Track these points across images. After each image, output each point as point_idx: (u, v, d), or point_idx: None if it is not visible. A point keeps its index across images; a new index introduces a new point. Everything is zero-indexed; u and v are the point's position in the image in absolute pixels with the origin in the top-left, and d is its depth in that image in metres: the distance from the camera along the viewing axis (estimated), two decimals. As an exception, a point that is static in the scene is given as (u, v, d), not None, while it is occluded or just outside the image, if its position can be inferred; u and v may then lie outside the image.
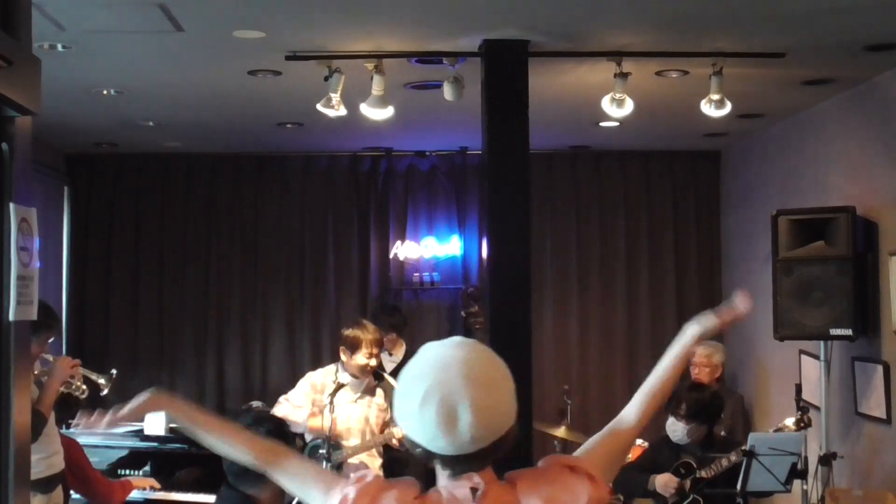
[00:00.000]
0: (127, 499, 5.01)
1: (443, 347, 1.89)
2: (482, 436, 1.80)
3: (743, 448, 4.55)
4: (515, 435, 1.88)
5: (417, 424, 1.82)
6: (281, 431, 3.21)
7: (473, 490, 1.83)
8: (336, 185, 7.68)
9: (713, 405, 4.85)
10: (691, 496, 4.67)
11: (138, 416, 2.11)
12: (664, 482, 4.71)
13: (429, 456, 1.85)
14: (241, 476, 3.08)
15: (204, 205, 7.64)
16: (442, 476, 1.89)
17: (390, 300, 7.51)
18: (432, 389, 1.80)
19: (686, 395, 4.79)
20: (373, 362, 5.02)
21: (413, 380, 1.85)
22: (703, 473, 4.67)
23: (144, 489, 5.22)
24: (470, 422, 1.77)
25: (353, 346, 5.01)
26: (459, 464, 1.84)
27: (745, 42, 4.49)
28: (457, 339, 1.92)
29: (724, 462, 4.63)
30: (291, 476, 2.04)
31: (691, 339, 2.18)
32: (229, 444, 2.10)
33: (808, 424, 4.87)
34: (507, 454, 1.88)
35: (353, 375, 5.04)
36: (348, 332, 5.09)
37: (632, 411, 2.12)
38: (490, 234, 4.62)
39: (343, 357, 5.07)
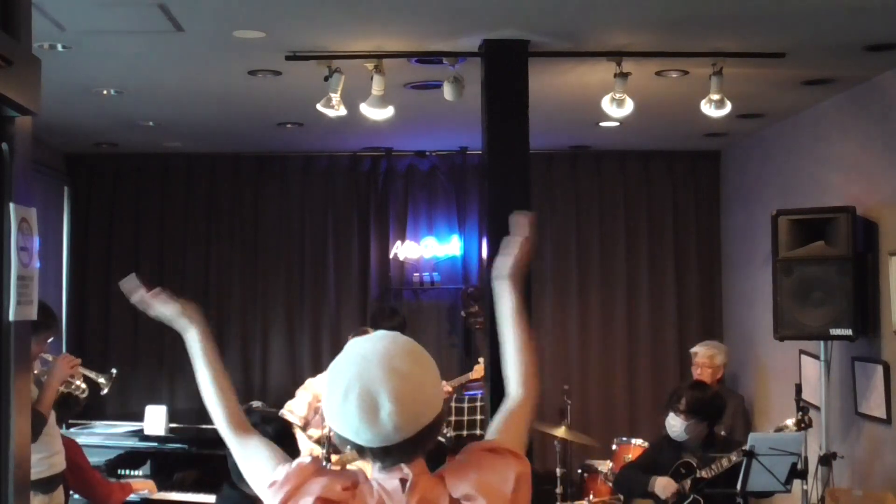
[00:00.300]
0: (125, 500, 5.01)
1: (364, 341, 1.91)
2: (405, 425, 1.81)
3: (743, 448, 4.55)
4: (441, 426, 1.90)
5: (342, 419, 1.84)
6: (287, 433, 3.21)
7: (403, 482, 1.85)
8: (336, 185, 7.68)
9: (714, 404, 4.86)
10: (691, 496, 4.67)
11: (167, 311, 2.13)
12: (663, 485, 4.71)
13: (359, 451, 1.87)
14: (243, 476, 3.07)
15: (204, 205, 7.63)
16: (374, 469, 1.90)
17: (389, 303, 7.51)
18: (353, 382, 1.82)
19: (687, 391, 4.81)
20: None
21: (335, 375, 1.87)
22: (704, 473, 4.67)
23: (142, 492, 5.22)
24: (391, 411, 1.79)
25: None
26: (389, 456, 1.86)
27: (745, 42, 4.49)
28: (379, 332, 1.95)
29: (725, 462, 4.63)
30: (248, 452, 2.05)
31: (510, 292, 2.17)
32: (218, 392, 2.10)
33: (809, 425, 4.87)
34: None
35: None
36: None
37: (514, 387, 2.14)
38: (490, 234, 4.62)
39: None
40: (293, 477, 1.88)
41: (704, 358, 6.26)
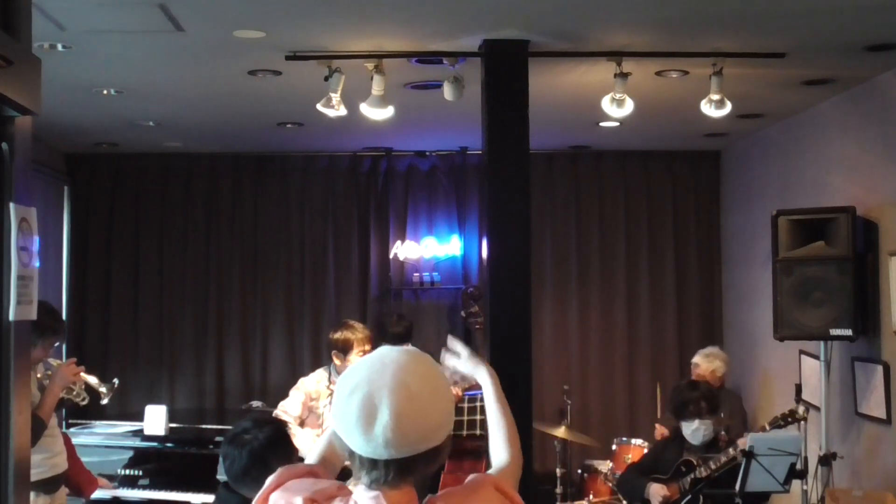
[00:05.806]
0: (125, 499, 5.01)
1: (390, 350, 1.87)
2: (397, 444, 1.74)
3: (742, 448, 4.55)
4: (439, 459, 1.82)
5: (340, 416, 1.79)
6: (281, 436, 3.19)
7: None
8: (336, 185, 7.68)
9: (715, 397, 4.95)
10: (690, 495, 4.67)
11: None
12: (654, 491, 4.78)
13: (350, 455, 1.82)
14: (241, 479, 3.06)
15: (204, 205, 7.64)
16: (361, 480, 1.83)
17: (390, 304, 7.49)
18: (362, 384, 1.78)
19: (698, 395, 4.83)
20: None
21: (350, 372, 1.84)
22: (702, 471, 4.68)
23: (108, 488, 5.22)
24: (386, 424, 1.73)
25: (345, 349, 4.97)
26: (375, 469, 1.78)
27: (745, 42, 4.49)
28: (408, 347, 1.91)
29: (723, 458, 4.64)
30: None
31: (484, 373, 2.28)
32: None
33: (799, 419, 4.86)
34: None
35: None
36: (337, 335, 5.01)
37: (501, 452, 2.15)
38: (490, 234, 4.62)
39: (337, 361, 5.01)
40: (282, 472, 1.90)
41: (706, 372, 6.19)
